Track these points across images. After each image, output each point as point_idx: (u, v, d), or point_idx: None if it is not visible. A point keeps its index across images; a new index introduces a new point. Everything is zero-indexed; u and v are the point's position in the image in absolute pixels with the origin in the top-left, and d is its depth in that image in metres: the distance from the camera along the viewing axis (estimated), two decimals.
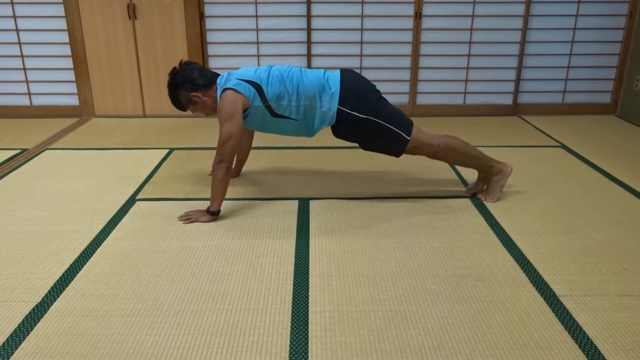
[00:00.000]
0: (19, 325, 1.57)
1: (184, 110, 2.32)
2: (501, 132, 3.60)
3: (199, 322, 1.58)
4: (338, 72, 2.27)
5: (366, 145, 2.34)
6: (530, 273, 1.85)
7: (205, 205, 2.31)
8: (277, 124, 2.26)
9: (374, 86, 2.31)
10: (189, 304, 1.67)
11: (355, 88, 2.23)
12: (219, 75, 2.27)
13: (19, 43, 3.87)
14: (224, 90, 2.16)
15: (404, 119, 2.28)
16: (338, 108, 2.21)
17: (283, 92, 2.18)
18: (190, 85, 2.20)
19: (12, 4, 3.77)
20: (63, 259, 1.95)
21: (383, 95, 2.31)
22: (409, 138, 2.26)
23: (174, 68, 2.26)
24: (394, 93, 4.02)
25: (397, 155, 2.32)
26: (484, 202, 2.42)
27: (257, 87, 2.16)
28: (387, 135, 2.25)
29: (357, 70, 3.94)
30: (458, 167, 2.85)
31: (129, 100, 3.98)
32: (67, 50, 3.87)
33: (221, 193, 2.18)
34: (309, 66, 3.92)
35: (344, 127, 2.27)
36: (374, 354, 1.45)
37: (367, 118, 2.21)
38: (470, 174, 2.73)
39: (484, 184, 2.48)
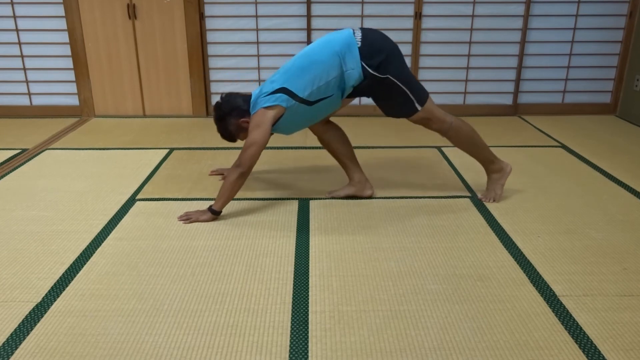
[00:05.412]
0: (19, 325, 1.57)
1: (234, 141, 2.37)
2: (501, 132, 3.60)
3: (199, 322, 1.58)
4: (349, 32, 2.21)
5: (377, 101, 2.35)
6: (530, 273, 1.85)
7: (205, 205, 2.31)
8: (318, 109, 2.25)
9: (396, 47, 2.28)
10: (189, 304, 1.67)
11: (374, 48, 2.20)
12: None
13: (19, 43, 3.87)
14: (257, 110, 2.19)
15: (419, 88, 2.30)
16: (362, 65, 2.18)
17: (308, 80, 2.16)
18: (238, 112, 2.25)
19: (12, 4, 3.77)
20: (63, 259, 1.95)
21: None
22: (419, 108, 2.27)
23: (217, 102, 2.30)
24: None
25: (405, 117, 2.32)
26: (485, 202, 2.42)
27: (284, 91, 2.17)
28: (399, 98, 2.26)
29: None
30: (458, 167, 2.85)
31: (129, 100, 3.98)
32: (67, 50, 3.87)
33: (228, 195, 2.19)
34: None
35: (362, 83, 2.24)
36: (374, 354, 1.45)
37: (387, 77, 2.21)
38: (471, 175, 2.73)
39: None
